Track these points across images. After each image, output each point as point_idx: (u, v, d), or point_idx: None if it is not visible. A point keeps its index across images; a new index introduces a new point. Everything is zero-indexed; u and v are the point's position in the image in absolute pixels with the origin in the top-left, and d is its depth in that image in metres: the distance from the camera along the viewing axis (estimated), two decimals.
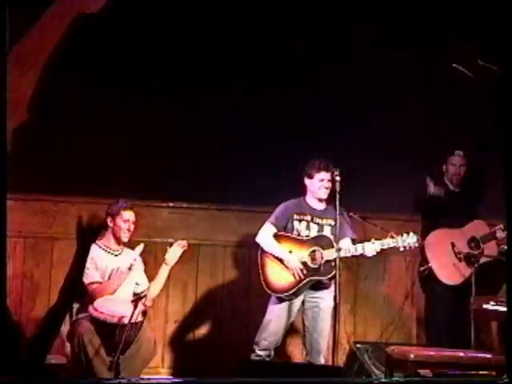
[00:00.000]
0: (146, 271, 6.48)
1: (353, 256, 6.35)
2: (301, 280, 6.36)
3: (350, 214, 6.50)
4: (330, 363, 6.26)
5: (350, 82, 7.14)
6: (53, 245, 7.01)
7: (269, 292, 6.42)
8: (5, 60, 5.11)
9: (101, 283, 6.22)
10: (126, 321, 5.83)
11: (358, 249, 6.31)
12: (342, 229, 6.35)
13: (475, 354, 6.18)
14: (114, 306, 6.05)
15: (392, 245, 6.32)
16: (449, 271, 6.75)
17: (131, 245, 6.49)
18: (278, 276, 6.39)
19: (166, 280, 6.35)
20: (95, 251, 6.35)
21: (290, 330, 6.68)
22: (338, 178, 6.20)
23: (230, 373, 6.21)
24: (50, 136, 6.91)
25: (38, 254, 7.04)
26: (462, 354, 6.10)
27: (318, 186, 6.47)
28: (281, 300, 6.42)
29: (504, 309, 5.95)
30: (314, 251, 6.37)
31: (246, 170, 7.04)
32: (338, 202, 6.15)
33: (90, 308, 6.03)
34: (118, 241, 6.36)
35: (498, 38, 5.78)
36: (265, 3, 7.05)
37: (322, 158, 6.46)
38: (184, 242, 6.30)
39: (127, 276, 6.23)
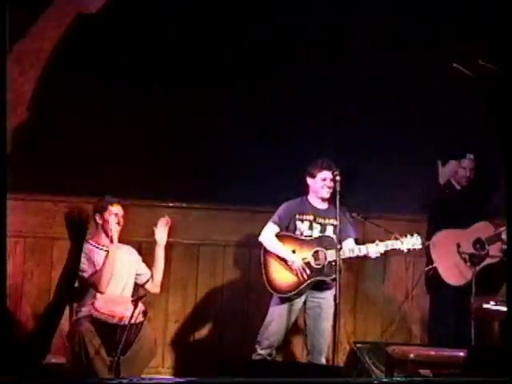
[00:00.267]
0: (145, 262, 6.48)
1: (357, 257, 6.35)
2: (304, 280, 6.36)
3: (353, 214, 6.49)
4: (330, 363, 6.27)
5: (350, 82, 7.14)
6: (53, 245, 7.01)
7: (271, 292, 6.41)
8: (5, 60, 5.11)
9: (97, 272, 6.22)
10: (126, 321, 5.83)
11: (362, 250, 6.31)
12: (344, 229, 6.36)
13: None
14: (114, 306, 6.04)
15: (396, 246, 6.32)
16: (453, 272, 6.74)
17: (131, 244, 6.51)
18: (281, 276, 6.39)
19: (164, 262, 6.33)
20: (88, 249, 6.34)
21: (292, 329, 6.68)
22: (338, 178, 6.21)
23: (231, 372, 6.20)
24: (50, 136, 6.91)
25: (37, 254, 7.04)
26: (461, 354, 6.10)
27: (321, 185, 6.47)
28: (282, 300, 6.41)
29: (504, 309, 5.95)
30: (317, 251, 6.37)
31: (245, 170, 7.05)
32: (338, 202, 6.15)
33: (91, 308, 6.02)
34: (109, 236, 6.32)
35: (497, 37, 5.79)
36: (264, 3, 7.05)
37: (325, 158, 6.46)
38: (166, 219, 6.32)
39: (115, 251, 6.19)
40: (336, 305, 6.07)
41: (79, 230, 4.28)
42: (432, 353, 6.22)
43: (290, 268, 6.37)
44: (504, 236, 6.72)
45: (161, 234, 6.32)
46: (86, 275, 6.19)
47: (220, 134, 7.14)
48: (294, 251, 6.41)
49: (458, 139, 7.15)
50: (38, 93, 6.63)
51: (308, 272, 6.35)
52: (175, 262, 7.13)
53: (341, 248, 6.17)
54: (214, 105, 7.13)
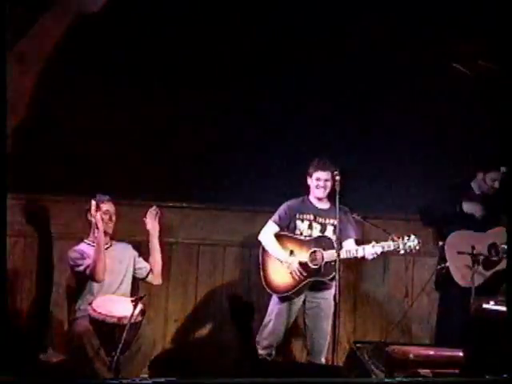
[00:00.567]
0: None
1: (354, 258, 6.34)
2: (300, 281, 6.36)
3: (353, 215, 6.48)
4: (330, 363, 6.27)
5: (350, 82, 7.14)
6: (53, 245, 7.01)
7: (269, 291, 6.42)
8: (5, 60, 5.11)
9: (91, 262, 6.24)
10: (125, 321, 5.83)
11: (359, 251, 6.30)
12: (345, 229, 6.36)
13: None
14: (113, 305, 6.05)
15: (393, 248, 6.31)
16: (464, 273, 6.72)
17: (131, 244, 6.52)
18: (279, 276, 6.39)
19: (160, 252, 6.41)
20: (85, 248, 6.36)
21: (292, 329, 6.68)
22: (337, 178, 6.21)
23: (231, 372, 6.21)
24: (51, 136, 6.91)
25: (37, 253, 7.04)
26: (461, 354, 6.09)
27: (315, 184, 6.47)
28: (281, 299, 6.42)
29: (504, 309, 5.94)
30: (314, 252, 6.37)
31: (246, 170, 7.05)
32: (337, 202, 6.16)
33: (89, 308, 6.03)
34: (104, 234, 6.35)
35: (497, 37, 5.79)
36: (264, 3, 7.05)
37: (323, 158, 6.46)
38: (154, 209, 6.43)
39: (104, 238, 6.23)
40: (336, 305, 6.08)
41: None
42: (432, 353, 6.21)
43: (287, 269, 6.37)
44: None
45: (152, 223, 6.41)
46: (81, 268, 6.21)
47: (220, 133, 7.14)
48: (292, 251, 6.41)
49: (459, 139, 7.16)
50: (38, 93, 6.62)
51: (304, 274, 6.35)
52: (175, 261, 7.14)
53: (340, 248, 6.18)
54: (214, 104, 7.13)
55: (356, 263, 7.06)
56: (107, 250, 6.34)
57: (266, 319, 6.43)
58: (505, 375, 4.52)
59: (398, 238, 6.30)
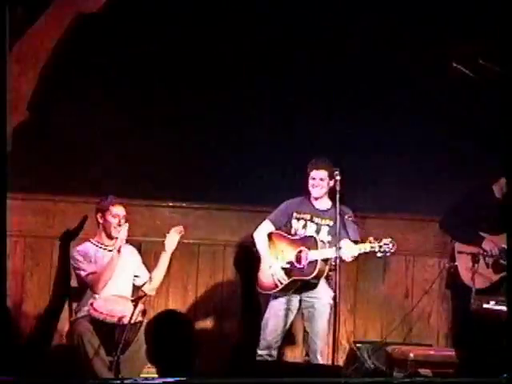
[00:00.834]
0: (145, 264, 6.47)
1: (336, 258, 6.27)
2: (282, 282, 6.38)
3: (345, 216, 6.40)
4: (330, 363, 6.26)
5: (351, 82, 7.14)
6: (53, 245, 6.99)
7: (258, 289, 6.42)
8: (5, 60, 5.11)
9: (96, 272, 6.21)
10: (125, 321, 5.83)
11: (335, 252, 6.23)
12: (341, 230, 6.32)
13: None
14: (113, 305, 6.04)
15: (369, 250, 6.25)
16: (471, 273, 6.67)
17: (131, 244, 6.51)
18: (265, 274, 6.38)
19: (166, 269, 6.32)
20: (89, 248, 6.34)
21: (292, 329, 6.68)
22: (338, 178, 6.20)
23: (231, 372, 6.20)
24: (51, 136, 6.91)
25: (37, 253, 7.04)
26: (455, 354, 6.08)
27: (311, 183, 6.45)
28: (278, 299, 6.43)
29: (504, 309, 5.94)
30: (300, 251, 6.37)
31: (246, 170, 7.05)
32: (338, 202, 6.15)
33: (90, 308, 6.03)
34: (110, 236, 6.35)
35: (498, 37, 5.78)
36: (265, 3, 7.05)
37: (322, 157, 6.44)
38: (180, 228, 6.27)
39: (118, 259, 6.20)
40: (336, 305, 6.07)
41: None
42: (432, 353, 6.22)
43: None
44: None
45: (171, 240, 6.25)
46: (82, 273, 6.19)
47: (220, 133, 7.14)
48: (282, 251, 6.42)
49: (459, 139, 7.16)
50: (38, 93, 6.62)
51: (285, 279, 6.35)
52: (175, 261, 7.12)
53: (340, 248, 6.16)
54: (214, 105, 7.13)
55: (356, 263, 7.06)
56: (110, 252, 6.33)
57: (264, 319, 6.41)
58: (504, 375, 4.51)
59: (376, 240, 6.24)
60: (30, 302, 6.95)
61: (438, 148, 7.17)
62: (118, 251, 6.18)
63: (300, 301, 6.46)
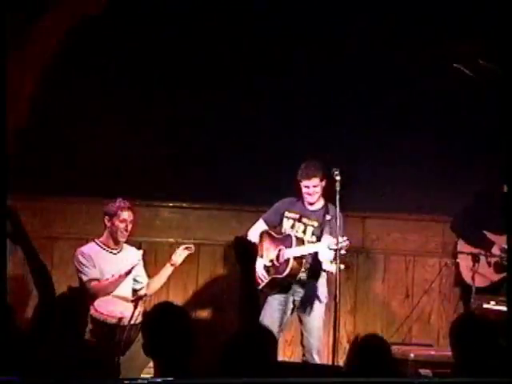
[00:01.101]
0: (146, 269, 6.47)
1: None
2: (262, 280, 6.40)
3: (328, 216, 6.36)
4: (330, 363, 6.27)
5: (350, 82, 7.14)
6: (53, 245, 7.01)
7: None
8: (5, 60, 5.11)
9: (99, 281, 6.21)
10: (125, 321, 5.83)
11: (301, 250, 6.30)
12: (325, 229, 6.33)
13: None
14: (114, 306, 6.04)
15: (312, 251, 6.29)
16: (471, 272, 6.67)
17: (131, 244, 6.51)
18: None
19: (166, 279, 6.37)
20: (94, 249, 6.34)
21: (291, 329, 6.68)
22: (338, 178, 6.20)
23: (231, 373, 6.20)
24: (51, 136, 6.91)
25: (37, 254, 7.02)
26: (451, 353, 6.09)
27: (305, 191, 6.46)
28: (274, 298, 6.44)
29: (504, 309, 5.95)
30: (280, 250, 6.42)
31: (246, 170, 7.05)
32: (338, 202, 6.15)
33: (90, 308, 6.03)
34: (116, 240, 6.35)
35: (498, 37, 5.79)
36: (264, 3, 7.06)
37: (311, 162, 6.41)
38: (192, 247, 6.34)
39: (124, 279, 6.21)
40: (336, 305, 6.08)
41: None
42: (432, 353, 6.22)
43: None
44: None
45: (179, 255, 6.31)
46: (84, 278, 6.19)
47: (220, 134, 7.14)
48: (267, 249, 6.47)
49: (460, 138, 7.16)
50: (38, 93, 6.63)
51: (265, 275, 6.39)
52: None
53: (340, 248, 6.16)
54: (213, 105, 7.13)
55: (356, 263, 7.07)
56: (115, 255, 6.35)
57: (260, 317, 6.42)
58: (504, 376, 4.51)
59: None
60: (30, 302, 6.95)
61: (438, 148, 7.17)
62: (127, 274, 6.17)
63: (294, 301, 6.48)
